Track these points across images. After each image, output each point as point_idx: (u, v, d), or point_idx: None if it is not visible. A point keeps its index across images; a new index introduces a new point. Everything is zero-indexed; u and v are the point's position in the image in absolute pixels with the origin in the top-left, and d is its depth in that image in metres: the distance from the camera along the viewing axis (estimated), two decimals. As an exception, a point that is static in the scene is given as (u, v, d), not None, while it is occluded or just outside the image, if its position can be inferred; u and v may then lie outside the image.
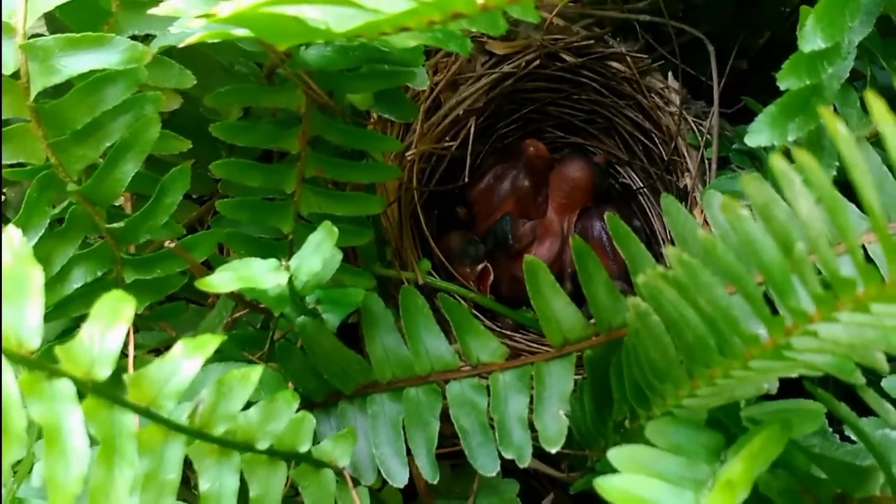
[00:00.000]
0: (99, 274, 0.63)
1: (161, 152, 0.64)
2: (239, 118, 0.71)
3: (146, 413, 0.47)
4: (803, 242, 0.42)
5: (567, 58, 1.01)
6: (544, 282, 0.64)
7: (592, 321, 0.64)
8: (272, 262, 0.59)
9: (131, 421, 0.45)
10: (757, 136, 0.60)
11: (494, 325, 0.87)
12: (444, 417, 0.68)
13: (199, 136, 0.66)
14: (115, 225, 0.61)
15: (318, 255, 0.60)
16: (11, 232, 0.43)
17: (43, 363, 0.41)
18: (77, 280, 0.62)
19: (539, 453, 0.66)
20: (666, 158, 0.97)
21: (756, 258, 0.44)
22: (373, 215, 0.74)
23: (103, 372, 0.44)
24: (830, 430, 0.61)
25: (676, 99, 0.97)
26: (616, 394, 0.62)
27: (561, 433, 0.64)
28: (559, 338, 0.65)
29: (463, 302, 0.81)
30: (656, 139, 1.00)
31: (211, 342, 0.47)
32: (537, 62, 1.01)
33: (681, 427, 0.54)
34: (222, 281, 0.57)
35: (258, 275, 0.58)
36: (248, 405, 0.53)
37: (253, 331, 0.74)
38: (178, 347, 0.47)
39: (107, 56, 0.55)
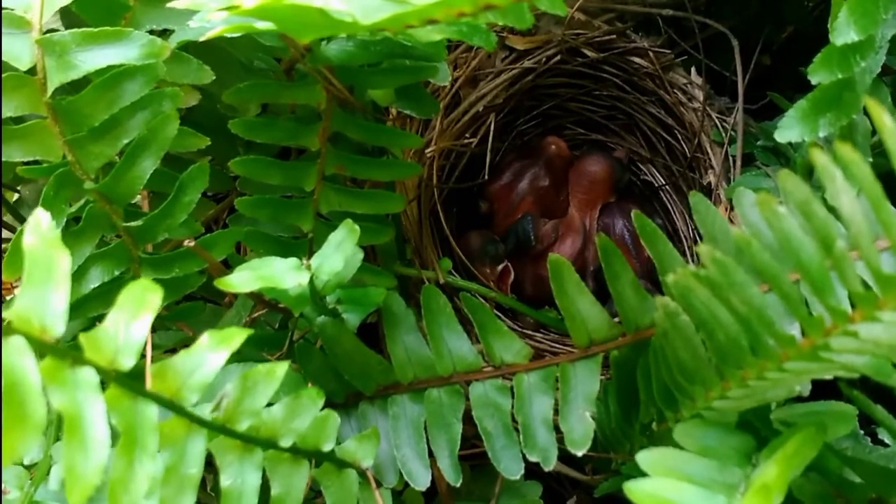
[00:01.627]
0: (116, 273, 0.62)
1: (179, 150, 0.63)
2: (257, 114, 0.69)
3: (169, 405, 0.46)
4: (843, 239, 0.41)
5: (588, 53, 1.00)
6: (569, 281, 0.62)
7: (617, 318, 0.63)
8: (293, 261, 0.58)
9: (153, 412, 0.44)
10: (787, 131, 0.58)
11: (515, 324, 0.85)
12: (465, 419, 0.66)
13: (217, 133, 0.65)
14: (132, 224, 0.60)
15: (339, 254, 0.59)
16: (40, 215, 0.42)
17: (66, 350, 0.41)
18: (94, 280, 0.61)
19: (562, 455, 0.64)
20: (689, 155, 0.96)
21: (793, 256, 0.43)
22: (393, 213, 0.73)
23: (127, 362, 0.43)
24: (862, 432, 0.60)
25: (700, 95, 0.96)
26: (643, 395, 0.61)
27: (587, 436, 0.62)
28: (585, 338, 0.63)
29: (485, 302, 0.80)
30: (679, 136, 0.98)
31: (237, 336, 0.46)
32: (558, 57, 1.00)
33: (710, 429, 0.53)
34: (242, 280, 0.56)
35: (279, 274, 0.57)
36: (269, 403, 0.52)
37: (272, 331, 0.73)
38: (204, 339, 0.46)
39: (125, 51, 0.54)
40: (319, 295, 0.61)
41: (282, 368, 0.51)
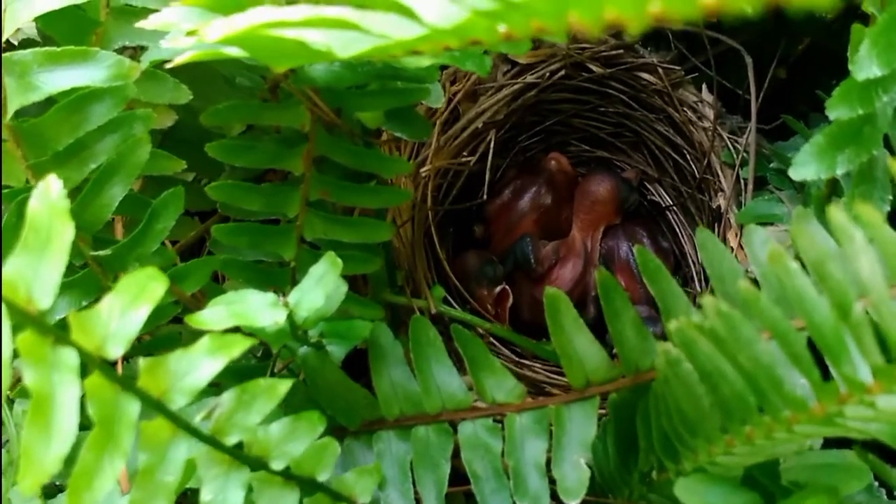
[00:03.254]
0: (84, 304, 0.58)
1: (154, 173, 0.60)
2: (240, 133, 0.66)
3: (155, 405, 0.43)
4: (860, 303, 0.38)
5: (594, 68, 0.96)
6: (566, 317, 0.59)
7: (615, 350, 0.60)
8: (269, 296, 0.54)
9: (135, 409, 0.42)
10: (802, 169, 0.54)
11: (513, 352, 0.82)
12: (456, 455, 0.63)
13: (202, 148, 0.62)
14: (101, 252, 0.57)
15: (320, 288, 0.56)
16: (51, 181, 0.40)
17: (50, 326, 0.38)
18: (61, 310, 0.58)
19: (557, 497, 0.61)
20: (698, 177, 0.92)
21: (806, 316, 0.40)
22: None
23: (116, 350, 0.40)
24: (877, 483, 0.57)
25: (710, 113, 0.92)
26: (643, 442, 0.58)
27: (582, 484, 0.59)
28: (582, 379, 0.60)
29: (479, 332, 0.77)
30: (688, 156, 0.94)
31: (239, 344, 0.43)
32: (562, 72, 0.96)
33: (714, 486, 0.51)
34: (214, 318, 0.53)
35: (254, 311, 0.54)
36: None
37: (253, 360, 0.69)
38: (204, 342, 0.43)
39: (90, 72, 0.51)
40: (300, 329, 0.58)
41: (284, 386, 0.49)
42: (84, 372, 0.39)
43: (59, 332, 0.38)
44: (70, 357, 0.39)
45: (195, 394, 0.44)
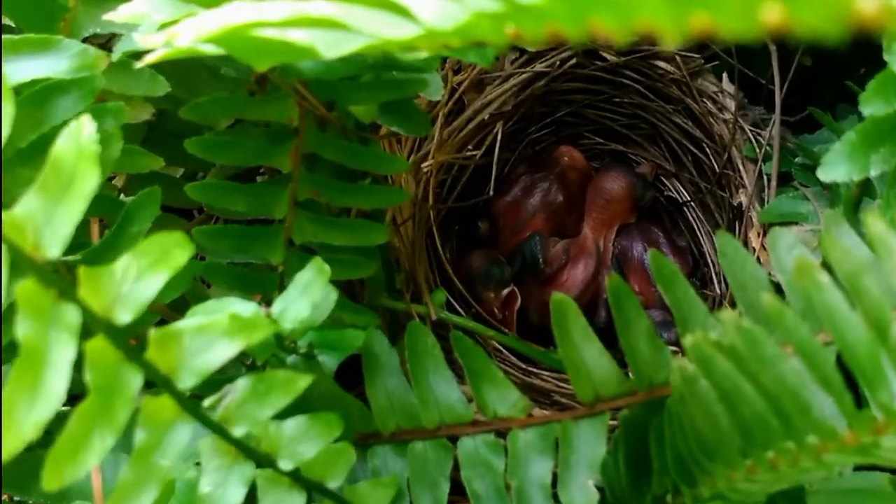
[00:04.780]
0: (54, 311, 0.55)
1: (130, 171, 0.56)
2: (228, 126, 0.62)
3: (163, 381, 0.40)
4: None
5: (608, 56, 0.92)
6: (575, 326, 0.55)
7: (625, 358, 0.55)
8: (251, 307, 0.50)
9: (137, 382, 0.39)
10: (832, 169, 0.50)
11: (519, 358, 0.78)
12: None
13: (189, 140, 0.58)
14: (71, 257, 0.53)
15: (306, 297, 0.52)
16: (84, 121, 0.37)
17: (56, 278, 0.35)
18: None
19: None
20: (718, 172, 0.88)
21: (838, 336, 0.37)
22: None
23: (124, 316, 0.38)
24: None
25: (731, 104, 0.88)
26: (656, 463, 0.54)
27: (590, 508, 0.55)
28: (590, 393, 0.56)
29: (483, 338, 0.73)
30: (708, 150, 0.90)
31: (261, 329, 0.41)
32: (574, 60, 0.92)
33: None
34: (191, 329, 0.49)
35: (234, 322, 0.50)
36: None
37: (244, 370, 0.65)
38: (223, 321, 0.41)
39: (52, 62, 0.47)
40: (287, 340, 0.54)
41: (304, 381, 0.46)
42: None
43: (64, 286, 0.36)
44: (72, 314, 0.36)
45: (205, 376, 0.41)
